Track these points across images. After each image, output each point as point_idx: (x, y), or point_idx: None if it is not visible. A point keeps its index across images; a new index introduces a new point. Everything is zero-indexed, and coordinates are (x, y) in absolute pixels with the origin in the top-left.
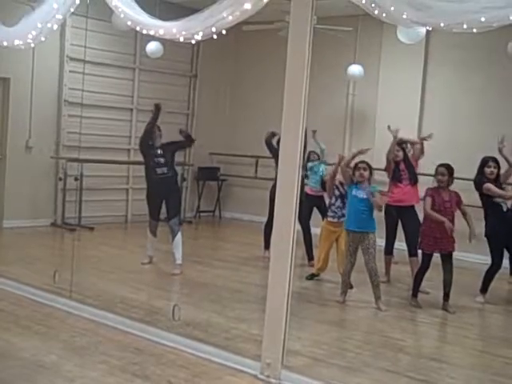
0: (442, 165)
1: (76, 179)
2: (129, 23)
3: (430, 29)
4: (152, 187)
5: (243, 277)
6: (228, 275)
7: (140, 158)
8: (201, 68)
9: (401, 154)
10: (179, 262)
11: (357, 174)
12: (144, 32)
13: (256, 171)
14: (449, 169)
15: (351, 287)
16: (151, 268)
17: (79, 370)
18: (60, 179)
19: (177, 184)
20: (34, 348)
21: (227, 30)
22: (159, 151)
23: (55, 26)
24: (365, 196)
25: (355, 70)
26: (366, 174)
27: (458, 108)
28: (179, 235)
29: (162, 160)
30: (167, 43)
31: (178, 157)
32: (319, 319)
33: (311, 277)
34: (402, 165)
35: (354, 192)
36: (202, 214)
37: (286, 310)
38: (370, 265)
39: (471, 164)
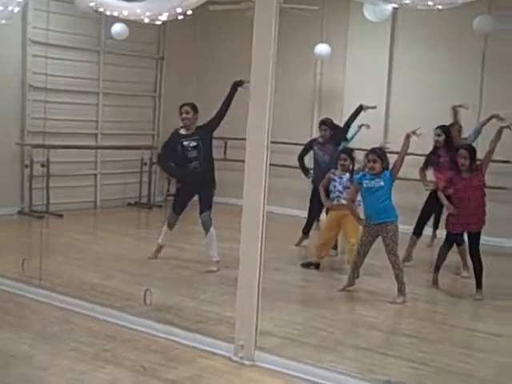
0: (461, 146)
1: (43, 166)
2: (92, 4)
3: (396, 6)
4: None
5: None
6: (200, 258)
7: (108, 143)
8: (168, 50)
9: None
10: (216, 258)
11: (368, 166)
12: (108, 13)
13: (225, 153)
14: (470, 152)
15: (357, 276)
16: (122, 254)
17: (51, 358)
18: (26, 166)
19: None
20: (5, 338)
21: (193, 11)
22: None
23: (16, 9)
24: (382, 183)
25: (322, 49)
26: (378, 166)
27: (425, 85)
28: (212, 229)
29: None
30: (133, 25)
31: (146, 140)
32: (292, 299)
33: (307, 265)
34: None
35: (365, 184)
36: (171, 198)
37: (258, 292)
38: (390, 257)
39: None
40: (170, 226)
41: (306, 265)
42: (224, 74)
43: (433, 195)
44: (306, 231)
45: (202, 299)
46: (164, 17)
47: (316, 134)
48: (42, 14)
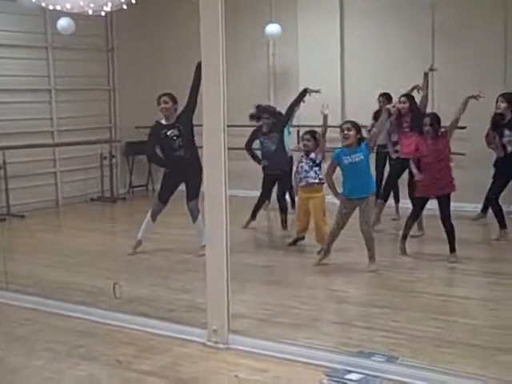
0: (428, 114)
1: None
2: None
3: None
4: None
5: (184, 247)
6: (168, 247)
7: (65, 140)
8: (117, 41)
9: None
10: (204, 243)
11: (341, 135)
12: (50, 8)
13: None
14: (432, 120)
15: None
16: (89, 249)
17: (23, 360)
18: None
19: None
20: None
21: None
22: None
23: None
24: (361, 157)
25: (273, 29)
26: (352, 133)
27: (378, 56)
28: (200, 217)
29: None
30: (79, 18)
31: (104, 134)
32: (261, 280)
33: (294, 242)
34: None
35: (345, 160)
36: (134, 190)
37: (227, 275)
38: (365, 227)
39: None
40: (154, 215)
41: (293, 243)
42: (178, 62)
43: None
44: (254, 214)
45: (173, 288)
46: (108, 7)
47: None
48: None
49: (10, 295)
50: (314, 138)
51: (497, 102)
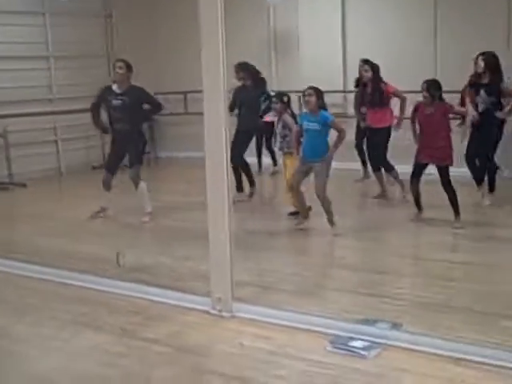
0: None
1: (1, 136)
2: None
3: None
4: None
5: (187, 215)
6: (172, 215)
7: (65, 107)
8: (115, 6)
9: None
10: (149, 210)
11: (303, 102)
12: None
13: (185, 107)
14: (428, 84)
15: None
16: (98, 216)
17: (28, 329)
18: None
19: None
20: None
21: None
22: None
23: None
24: (318, 127)
25: None
26: (313, 99)
27: (380, 26)
28: (142, 184)
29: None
30: None
31: None
32: (264, 247)
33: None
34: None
35: (305, 125)
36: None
37: (230, 243)
38: (317, 191)
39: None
40: (105, 185)
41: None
42: (177, 27)
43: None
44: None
45: (177, 256)
46: None
47: (276, 81)
48: None
49: (14, 264)
50: (281, 101)
51: (476, 61)
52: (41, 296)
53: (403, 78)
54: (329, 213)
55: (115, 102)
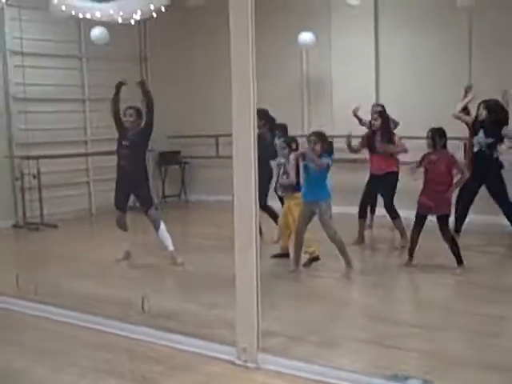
0: (430, 129)
1: (34, 177)
2: (63, 8)
3: None
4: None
5: (216, 260)
6: (199, 260)
7: (99, 149)
8: (150, 50)
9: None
10: (171, 248)
11: (308, 146)
12: (80, 16)
13: (217, 150)
14: (433, 132)
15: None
16: (122, 261)
17: (48, 374)
18: (17, 179)
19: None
20: (2, 355)
21: (171, 8)
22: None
23: None
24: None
25: (306, 37)
26: (318, 147)
27: (413, 67)
28: (162, 226)
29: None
30: (112, 28)
31: None
32: (290, 295)
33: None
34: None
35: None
36: (167, 200)
37: (257, 292)
38: (327, 233)
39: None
40: (119, 224)
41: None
42: (209, 71)
43: (372, 178)
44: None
45: (203, 303)
46: (137, 16)
47: (307, 125)
48: (20, 23)
49: (39, 306)
50: (289, 147)
51: (478, 108)
52: (64, 340)
53: (438, 113)
54: (345, 255)
55: (124, 141)
